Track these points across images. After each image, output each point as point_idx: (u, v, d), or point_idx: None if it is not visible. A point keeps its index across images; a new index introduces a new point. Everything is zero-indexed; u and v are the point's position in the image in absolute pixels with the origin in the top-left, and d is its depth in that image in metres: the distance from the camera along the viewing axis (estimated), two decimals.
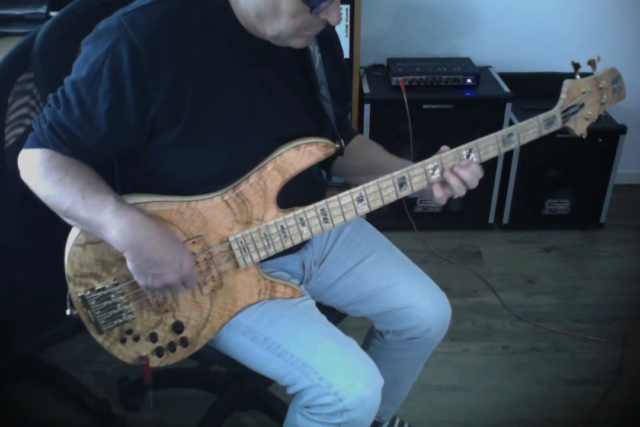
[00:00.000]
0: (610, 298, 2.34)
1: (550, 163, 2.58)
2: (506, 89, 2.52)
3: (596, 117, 1.29)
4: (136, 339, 1.21)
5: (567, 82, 1.23)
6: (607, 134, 2.50)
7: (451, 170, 1.18)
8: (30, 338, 1.68)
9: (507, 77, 2.63)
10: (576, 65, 1.22)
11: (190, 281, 1.15)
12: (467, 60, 2.62)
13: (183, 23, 1.07)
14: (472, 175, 1.17)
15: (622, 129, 2.48)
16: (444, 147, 1.20)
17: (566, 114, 1.25)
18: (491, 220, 2.69)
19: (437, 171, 1.19)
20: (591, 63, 1.23)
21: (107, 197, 1.07)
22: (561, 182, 2.61)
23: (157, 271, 1.09)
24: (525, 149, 2.50)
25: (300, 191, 1.20)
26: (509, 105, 2.45)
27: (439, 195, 1.19)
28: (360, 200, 1.18)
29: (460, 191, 1.18)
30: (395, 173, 1.18)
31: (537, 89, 2.65)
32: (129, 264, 1.09)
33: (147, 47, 1.03)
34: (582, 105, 1.26)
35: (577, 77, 1.24)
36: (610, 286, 2.41)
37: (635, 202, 2.91)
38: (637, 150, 2.88)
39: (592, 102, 1.27)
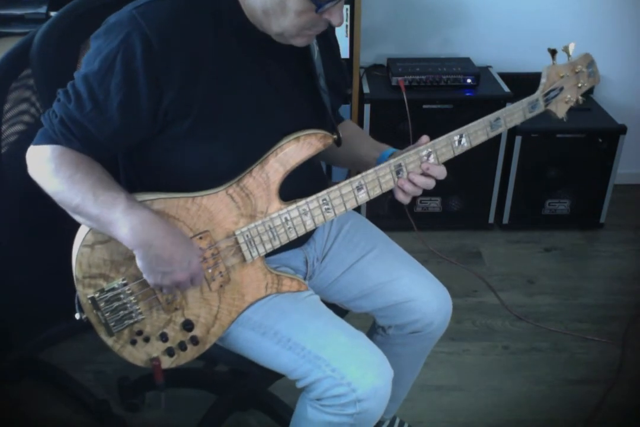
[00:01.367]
0: (610, 298, 2.34)
1: (550, 163, 2.58)
2: (506, 89, 2.52)
3: (574, 100, 1.36)
4: (147, 340, 1.21)
5: (545, 67, 1.31)
6: (607, 134, 2.50)
7: (408, 176, 1.22)
8: (30, 338, 1.68)
9: (507, 77, 2.63)
10: (553, 52, 1.29)
11: (198, 279, 1.15)
12: (467, 60, 2.63)
13: (194, 16, 1.08)
14: (426, 180, 1.22)
15: (622, 129, 2.48)
16: (424, 137, 1.23)
17: (547, 97, 1.32)
18: (491, 220, 2.69)
19: (432, 157, 1.23)
20: (565, 49, 1.30)
21: (118, 194, 1.08)
22: (561, 182, 2.61)
23: (167, 269, 1.10)
24: (525, 149, 2.52)
25: (301, 183, 1.21)
26: (509, 106, 2.43)
27: (400, 197, 1.24)
28: (359, 188, 1.21)
29: (416, 192, 1.23)
30: (392, 161, 1.21)
31: (537, 89, 2.65)
32: (139, 262, 1.09)
33: (160, 40, 1.03)
34: (561, 89, 1.33)
35: (554, 62, 1.30)
36: (610, 286, 2.41)
37: (635, 202, 2.91)
38: (637, 150, 2.87)
39: (570, 86, 1.34)
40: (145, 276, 1.12)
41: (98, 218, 1.07)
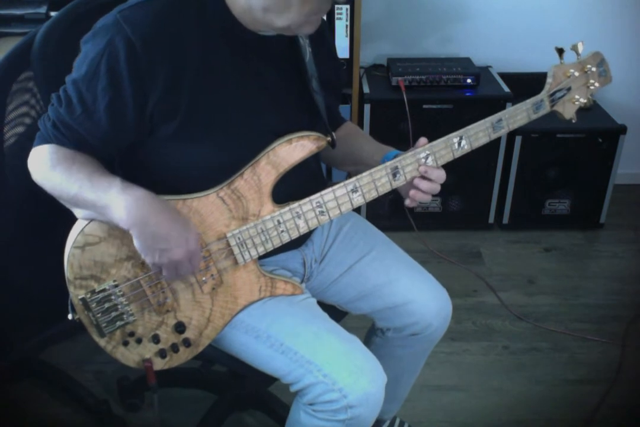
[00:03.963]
0: (610, 298, 2.34)
1: (550, 163, 2.57)
2: (506, 89, 2.52)
3: (584, 101, 1.32)
4: (139, 341, 1.21)
5: (552, 67, 1.26)
6: (607, 134, 2.50)
7: (412, 181, 1.21)
8: (30, 338, 1.68)
9: (507, 77, 2.63)
10: (560, 50, 1.25)
11: (196, 258, 1.14)
12: (467, 60, 2.63)
13: (179, 18, 1.08)
14: (430, 184, 1.20)
15: (622, 129, 2.48)
16: (422, 140, 1.21)
17: (553, 97, 1.28)
18: (491, 220, 2.69)
19: (430, 159, 1.20)
20: (574, 48, 1.26)
21: (113, 178, 1.09)
22: (561, 182, 2.61)
23: (164, 246, 1.09)
24: (525, 149, 2.52)
25: (297, 185, 1.21)
26: (509, 106, 2.44)
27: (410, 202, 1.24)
28: (354, 191, 1.20)
29: (425, 198, 1.22)
30: (388, 163, 1.20)
31: (537, 89, 2.61)
32: (135, 242, 1.09)
33: (143, 43, 1.04)
34: (569, 89, 1.29)
35: (562, 61, 1.27)
36: (610, 286, 2.41)
37: (635, 202, 2.91)
38: (637, 150, 2.88)
39: (578, 86, 1.30)
40: (143, 256, 1.11)
41: (94, 203, 1.08)
